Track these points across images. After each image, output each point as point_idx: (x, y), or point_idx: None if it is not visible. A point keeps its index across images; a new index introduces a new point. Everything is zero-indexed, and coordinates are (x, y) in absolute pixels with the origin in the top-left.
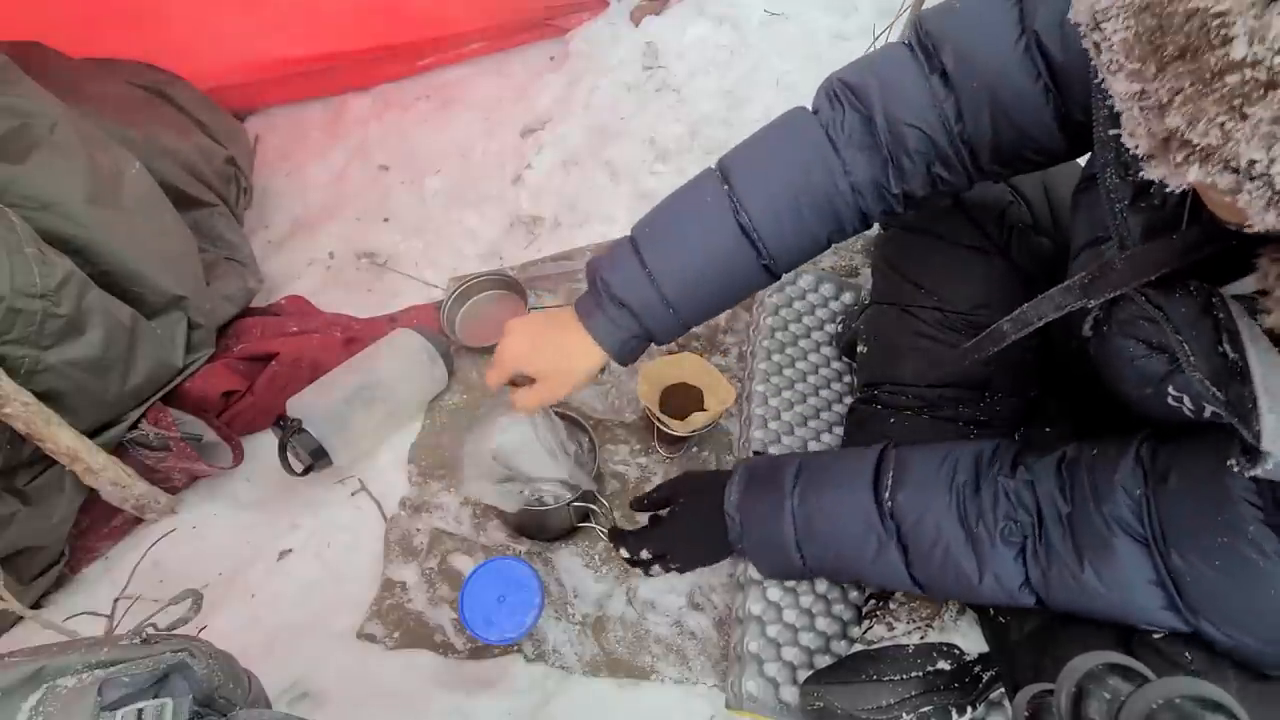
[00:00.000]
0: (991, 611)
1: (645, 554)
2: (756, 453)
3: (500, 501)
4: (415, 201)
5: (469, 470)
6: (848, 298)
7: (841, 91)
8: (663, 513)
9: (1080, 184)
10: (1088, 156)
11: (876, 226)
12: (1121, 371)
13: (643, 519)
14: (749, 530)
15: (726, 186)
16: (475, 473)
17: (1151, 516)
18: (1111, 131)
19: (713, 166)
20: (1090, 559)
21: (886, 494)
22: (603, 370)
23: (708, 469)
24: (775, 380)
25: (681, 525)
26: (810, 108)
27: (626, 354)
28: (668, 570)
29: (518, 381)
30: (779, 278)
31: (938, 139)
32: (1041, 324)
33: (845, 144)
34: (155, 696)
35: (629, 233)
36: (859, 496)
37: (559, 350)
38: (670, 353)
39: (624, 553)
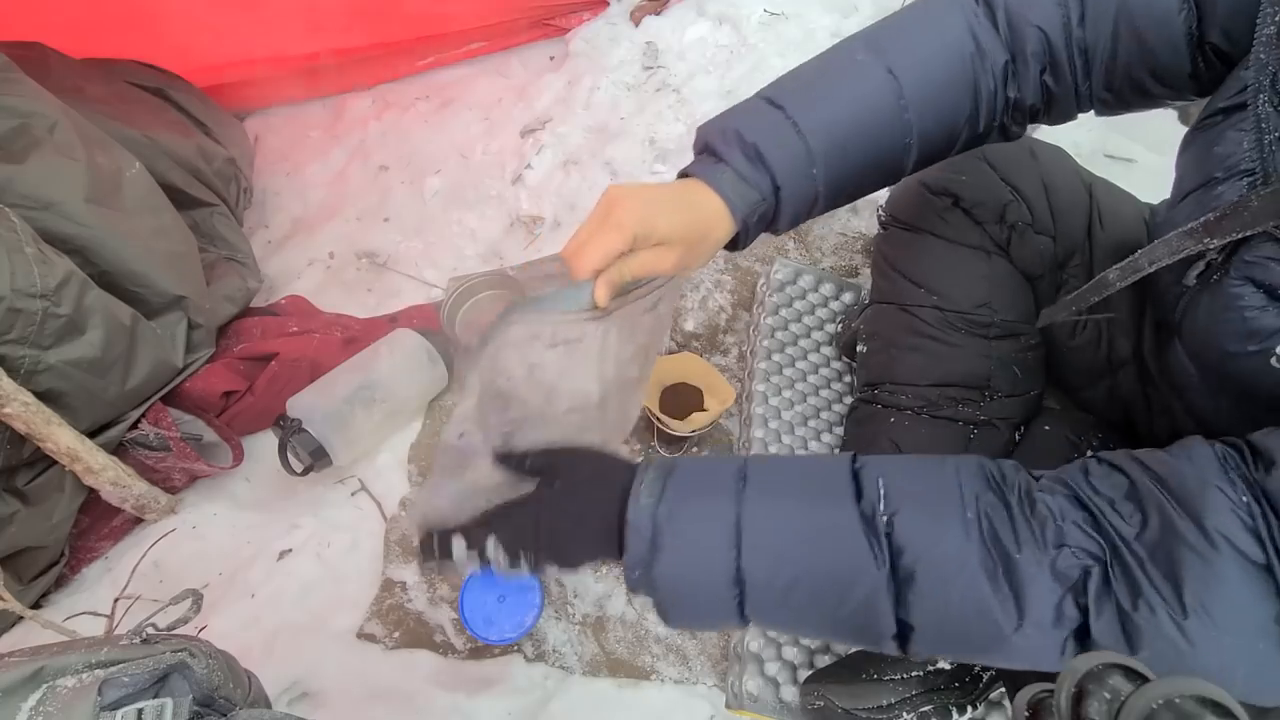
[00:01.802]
0: None
1: (491, 548)
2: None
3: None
4: (415, 201)
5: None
6: (848, 298)
7: None
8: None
9: (1198, 123)
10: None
11: (876, 225)
12: (1226, 324)
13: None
14: (664, 544)
15: (873, 54)
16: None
17: (1271, 525)
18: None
19: (852, 37)
20: (1192, 591)
21: (880, 509)
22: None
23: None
24: (775, 380)
25: (547, 512)
26: None
27: (751, 224)
28: (531, 566)
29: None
30: (908, 170)
31: (1055, 42)
32: (1152, 270)
33: (980, 33)
34: (155, 696)
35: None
36: (837, 510)
37: (689, 209)
38: (670, 353)
39: (458, 551)
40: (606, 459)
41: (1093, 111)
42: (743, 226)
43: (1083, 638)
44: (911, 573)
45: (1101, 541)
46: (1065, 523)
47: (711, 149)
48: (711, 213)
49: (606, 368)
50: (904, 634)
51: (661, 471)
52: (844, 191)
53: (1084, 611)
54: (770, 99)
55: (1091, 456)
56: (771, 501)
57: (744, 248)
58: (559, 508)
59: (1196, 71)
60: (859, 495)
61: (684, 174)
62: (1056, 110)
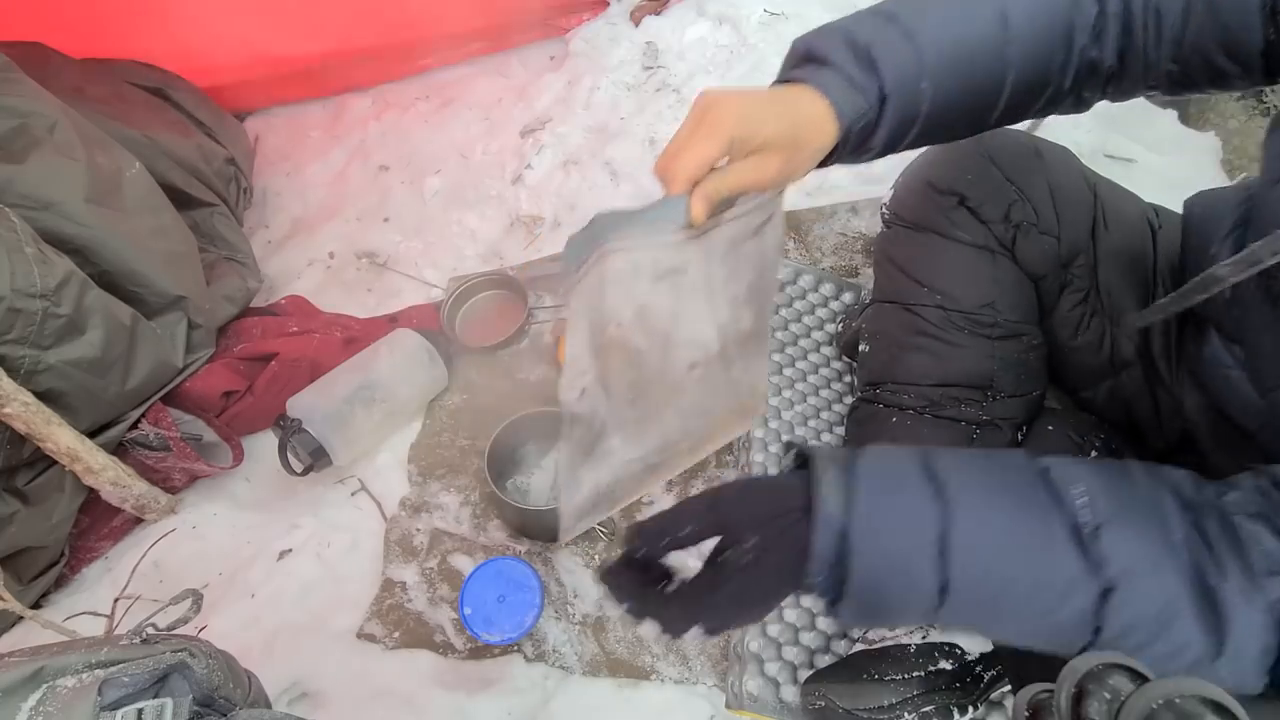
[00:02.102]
0: None
1: (692, 632)
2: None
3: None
4: (415, 201)
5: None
6: (848, 297)
7: None
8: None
9: None
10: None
11: (876, 225)
12: None
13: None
14: (864, 548)
15: None
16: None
17: None
18: None
19: None
20: None
21: (1086, 520)
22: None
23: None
24: (775, 380)
25: (740, 576)
26: None
27: (855, 130)
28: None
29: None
30: (993, 117)
31: (1133, 2)
32: (1273, 261)
33: None
34: (155, 696)
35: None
36: (1044, 521)
37: (790, 112)
38: None
39: (649, 631)
40: (773, 492)
41: (1158, 91)
42: (844, 136)
43: None
44: (1113, 587)
45: None
46: (1270, 550)
47: (815, 55)
48: (814, 116)
49: (719, 307)
50: (1093, 641)
51: (840, 476)
52: (941, 122)
53: None
54: (880, 11)
55: (1249, 470)
56: (976, 509)
57: (831, 164)
58: (754, 569)
59: (1269, 48)
60: (1058, 502)
61: (781, 81)
62: (1126, 79)
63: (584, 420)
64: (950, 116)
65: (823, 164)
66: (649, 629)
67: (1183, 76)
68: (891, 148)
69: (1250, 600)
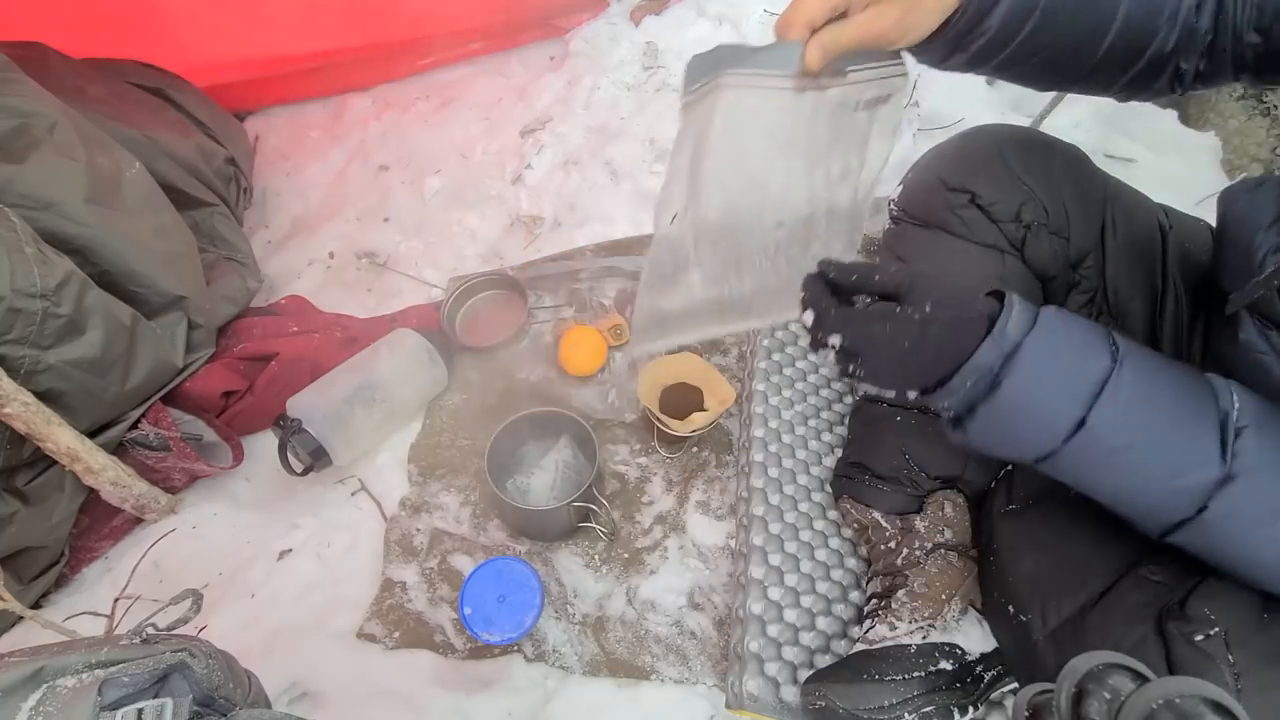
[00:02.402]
0: (1011, 610)
1: (835, 340)
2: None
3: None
4: (415, 201)
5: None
6: None
7: None
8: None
9: None
10: None
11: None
12: None
13: None
14: (1021, 368)
15: None
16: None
17: None
18: None
19: None
20: None
21: (1234, 418)
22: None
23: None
24: (775, 380)
25: (910, 329)
26: None
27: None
28: (849, 372)
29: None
30: (1099, 52)
31: None
32: None
33: None
34: (155, 696)
35: None
36: (1199, 402)
37: None
38: (670, 353)
39: (808, 321)
40: (966, 297)
41: (1247, 75)
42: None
43: None
44: (1234, 476)
45: None
46: None
47: None
48: None
49: (816, 173)
50: (1187, 521)
51: (1026, 307)
52: (1053, 24)
53: None
54: None
55: None
56: (1143, 371)
57: (945, 49)
58: (912, 324)
59: None
60: (1215, 397)
61: None
62: (1217, 51)
63: (670, 245)
64: (1060, 24)
65: (939, 52)
66: (809, 318)
67: (1266, 52)
68: (1003, 42)
69: None
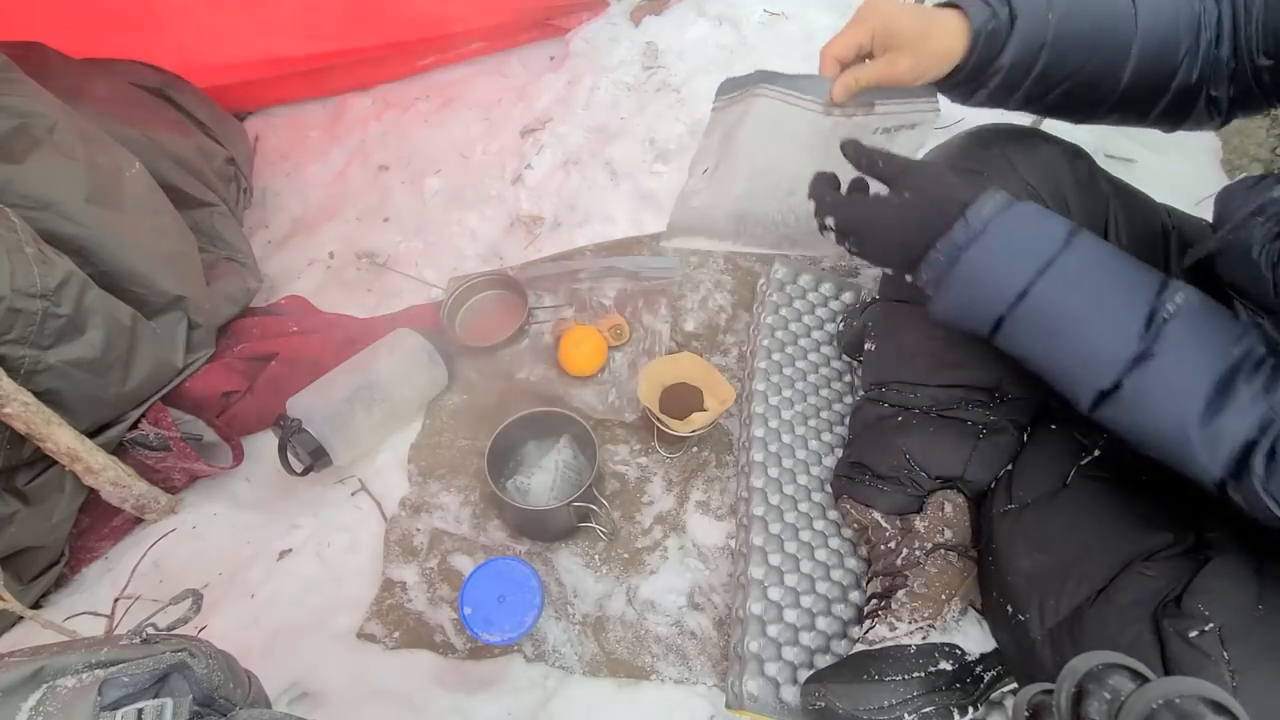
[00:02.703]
0: (1009, 609)
1: (830, 221)
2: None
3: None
4: (415, 201)
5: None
6: (848, 297)
7: None
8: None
9: None
10: None
11: None
12: None
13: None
14: (985, 241)
15: None
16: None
17: None
18: None
19: None
20: None
21: (1167, 311)
22: (956, 69)
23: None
24: (775, 380)
25: (890, 210)
26: None
27: (982, 40)
28: (847, 249)
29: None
30: (1122, 81)
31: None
32: None
33: None
34: (155, 696)
35: None
36: (1136, 293)
37: (926, 16)
38: (670, 353)
39: (813, 210)
40: (953, 181)
41: (1276, 100)
42: (973, 41)
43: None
44: (1152, 355)
45: None
46: None
47: None
48: (947, 22)
49: (826, 168)
50: (1109, 394)
51: (1007, 199)
52: (1066, 61)
53: (1268, 442)
54: None
55: None
56: (1087, 256)
57: (966, 86)
58: (897, 207)
59: None
60: (1154, 293)
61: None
62: (1240, 78)
63: (700, 189)
64: (1077, 58)
65: (961, 89)
66: (814, 205)
67: (1273, 70)
68: (1019, 79)
69: (1255, 403)
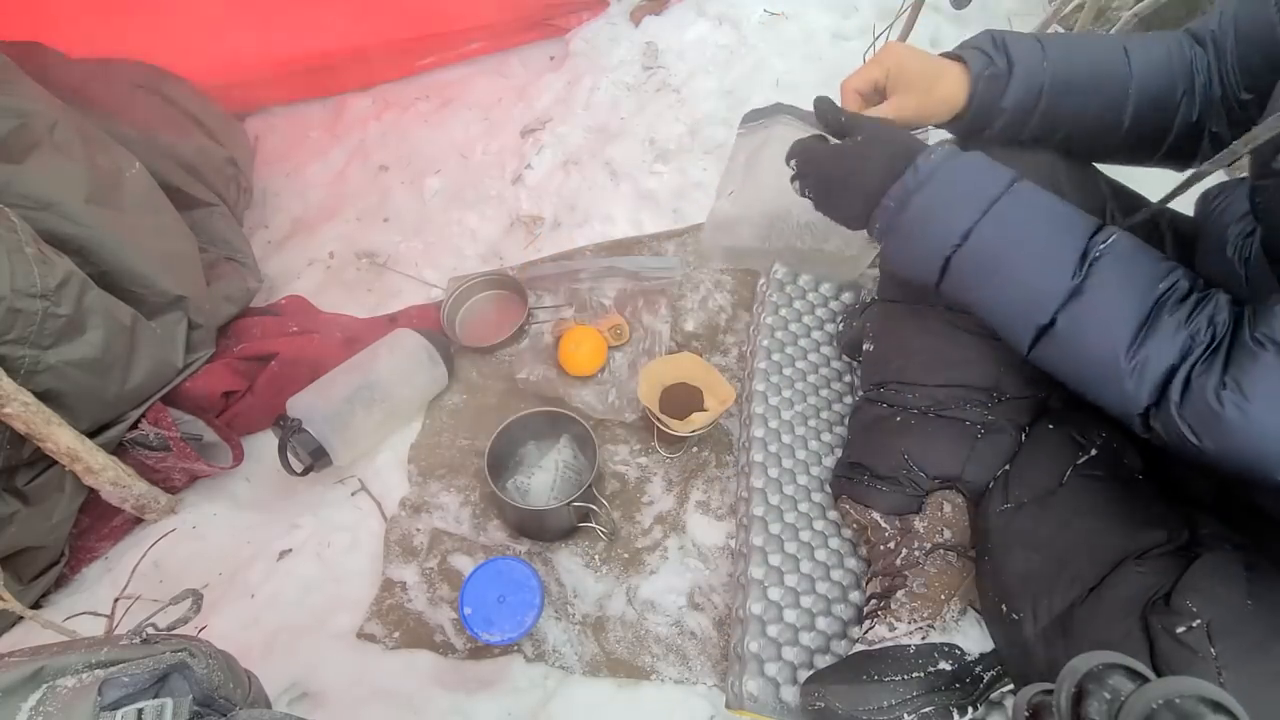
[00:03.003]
0: (1004, 608)
1: (792, 164)
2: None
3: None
4: (415, 201)
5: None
6: (848, 297)
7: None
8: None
9: None
10: None
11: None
12: None
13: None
14: (931, 186)
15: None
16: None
17: None
18: None
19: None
20: (1234, 373)
21: (1099, 250)
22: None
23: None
24: (775, 380)
25: (848, 155)
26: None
27: (981, 86)
28: (803, 193)
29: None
30: (1125, 119)
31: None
32: (1246, 151)
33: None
34: (155, 696)
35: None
36: (1070, 234)
37: (934, 63)
38: (670, 353)
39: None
40: (905, 134)
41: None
42: (974, 85)
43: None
44: (1081, 293)
45: (1215, 339)
46: (1211, 319)
47: (967, 43)
48: (950, 70)
49: None
50: (1045, 329)
51: (955, 150)
52: (1066, 103)
53: (1183, 370)
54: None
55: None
56: (1025, 200)
57: (974, 127)
58: (853, 156)
59: None
60: (1086, 235)
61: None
62: (1234, 119)
63: (728, 208)
64: (1072, 103)
65: (969, 131)
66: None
67: (1263, 109)
68: (1021, 121)
69: (1177, 332)
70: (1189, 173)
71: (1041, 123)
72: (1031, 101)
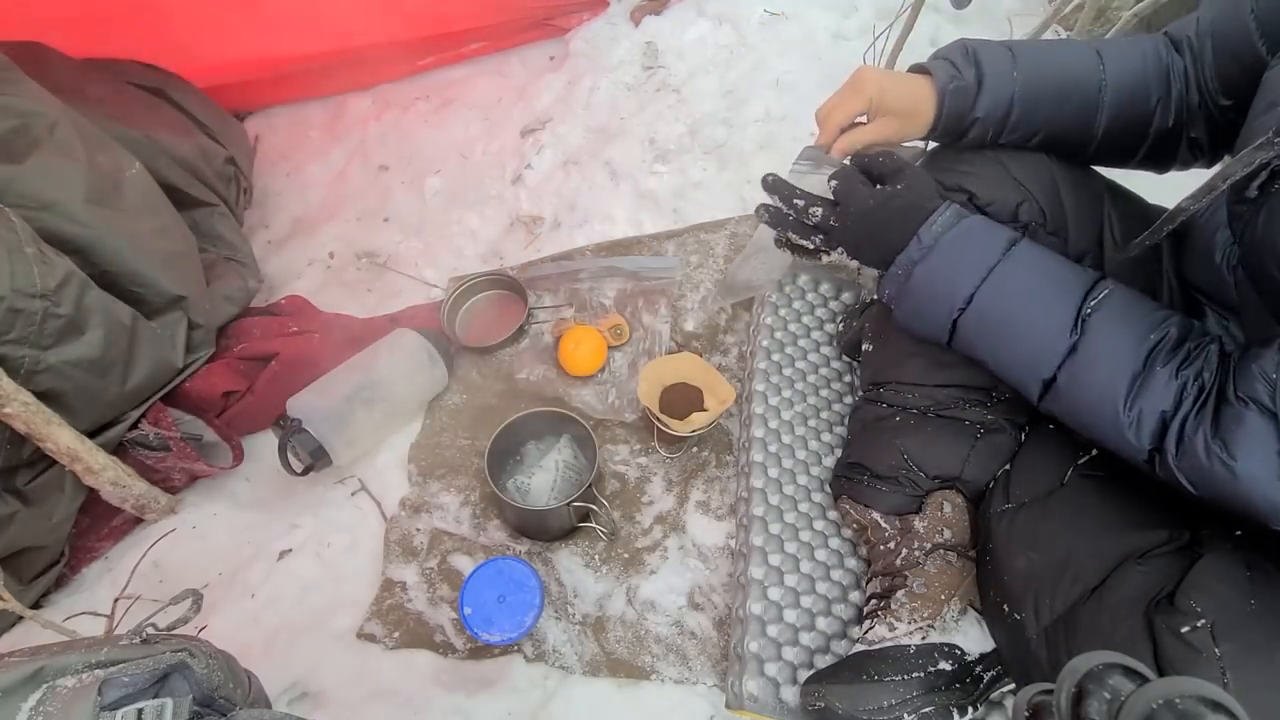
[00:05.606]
0: (1005, 608)
1: (831, 184)
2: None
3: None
4: (415, 201)
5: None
6: (847, 297)
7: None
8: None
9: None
10: None
11: None
12: None
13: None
14: (935, 256)
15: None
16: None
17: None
18: None
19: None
20: (1222, 433)
21: (1091, 305)
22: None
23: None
24: (775, 380)
25: (885, 206)
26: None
27: (949, 97)
28: (821, 237)
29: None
30: (1099, 124)
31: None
32: (1226, 186)
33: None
34: (155, 696)
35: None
36: (1067, 296)
37: (909, 84)
38: (670, 353)
39: (799, 201)
40: (926, 189)
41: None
42: (940, 97)
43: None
44: (1075, 348)
45: (1209, 389)
46: (1203, 368)
47: (938, 54)
48: (921, 85)
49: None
50: (1050, 384)
51: (957, 215)
52: (1038, 109)
53: (1176, 420)
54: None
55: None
56: (1023, 267)
57: (949, 136)
58: (893, 209)
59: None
60: (1082, 293)
61: (913, 69)
62: (1213, 125)
63: (762, 236)
64: (1045, 110)
65: (946, 138)
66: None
67: (1240, 115)
68: (996, 130)
69: (1169, 384)
70: (1182, 199)
71: (1015, 130)
72: (1004, 110)
